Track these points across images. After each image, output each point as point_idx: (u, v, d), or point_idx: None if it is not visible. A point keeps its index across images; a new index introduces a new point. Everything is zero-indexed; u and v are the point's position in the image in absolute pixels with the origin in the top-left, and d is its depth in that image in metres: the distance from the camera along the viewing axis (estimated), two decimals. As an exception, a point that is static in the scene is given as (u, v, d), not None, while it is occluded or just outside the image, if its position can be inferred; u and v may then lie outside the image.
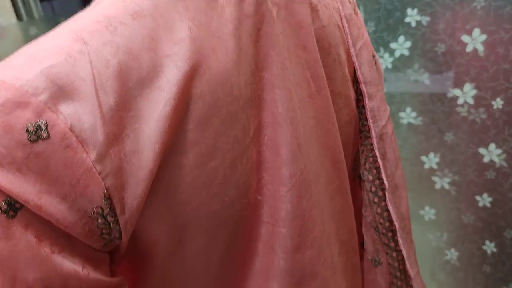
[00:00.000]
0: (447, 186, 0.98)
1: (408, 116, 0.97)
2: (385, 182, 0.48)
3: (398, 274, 0.53)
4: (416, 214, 1.04)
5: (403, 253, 0.50)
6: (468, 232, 0.98)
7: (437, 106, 0.94)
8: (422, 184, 1.00)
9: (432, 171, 0.98)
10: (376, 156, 0.48)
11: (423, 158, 0.99)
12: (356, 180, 0.58)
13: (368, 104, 0.46)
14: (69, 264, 0.29)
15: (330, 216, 0.43)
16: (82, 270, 0.30)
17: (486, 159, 0.92)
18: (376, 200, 0.50)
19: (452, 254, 1.02)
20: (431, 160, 0.98)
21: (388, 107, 0.48)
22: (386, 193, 0.48)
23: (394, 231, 0.51)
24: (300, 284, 0.39)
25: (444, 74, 0.91)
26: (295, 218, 0.38)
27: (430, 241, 1.03)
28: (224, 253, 0.37)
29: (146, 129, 0.29)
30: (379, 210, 0.51)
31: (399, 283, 0.53)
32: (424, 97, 0.94)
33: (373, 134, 0.47)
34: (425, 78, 0.93)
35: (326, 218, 0.42)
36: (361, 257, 0.56)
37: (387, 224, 0.51)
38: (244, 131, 0.34)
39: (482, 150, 0.92)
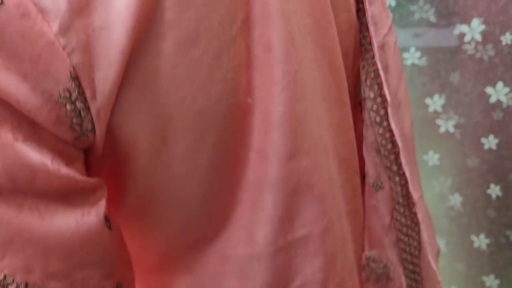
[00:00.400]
0: (452, 129, 0.95)
1: (412, 56, 0.93)
2: (388, 97, 0.45)
3: (400, 200, 0.50)
4: (419, 160, 1.01)
5: (406, 174, 0.47)
6: (473, 176, 0.96)
7: (443, 45, 0.89)
8: (426, 128, 0.97)
9: (436, 114, 0.95)
10: (377, 70, 0.45)
11: (427, 100, 0.95)
12: (357, 107, 0.54)
13: (369, 9, 0.42)
14: (36, 155, 0.26)
15: (328, 128, 0.40)
16: (52, 163, 0.27)
17: (493, 99, 0.88)
18: (377, 119, 0.47)
19: (456, 200, 1.00)
20: (436, 103, 0.94)
21: (391, 14, 0.45)
22: (389, 109, 0.45)
23: (396, 154, 0.48)
24: (295, 194, 0.37)
25: (450, 9, 0.87)
26: (288, 121, 0.35)
27: (433, 187, 1.01)
28: (212, 160, 0.34)
29: (116, 1, 0.26)
30: (381, 131, 0.48)
31: (401, 209, 0.50)
32: (429, 36, 0.90)
33: (374, 43, 0.43)
34: (431, 15, 0.88)
35: (323, 128, 0.39)
36: (362, 191, 0.53)
37: (390, 146, 0.48)
38: (230, 18, 0.31)
39: (489, 90, 0.88)
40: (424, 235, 0.50)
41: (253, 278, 0.38)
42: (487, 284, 1.03)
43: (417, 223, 0.52)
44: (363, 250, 0.53)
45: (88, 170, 0.31)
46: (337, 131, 0.42)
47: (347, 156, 0.44)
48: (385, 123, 0.47)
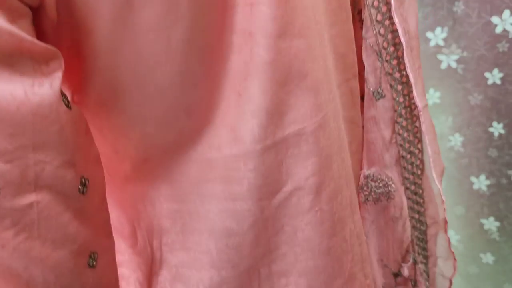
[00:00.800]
0: (454, 65, 0.90)
1: (414, -14, 0.87)
2: (391, -14, 0.40)
3: (403, 112, 0.46)
4: (419, 99, 0.97)
5: (410, 79, 0.43)
6: (475, 114, 0.92)
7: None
8: (426, 64, 0.92)
9: (438, 48, 0.90)
10: (379, -43, 0.40)
11: (429, 34, 0.90)
12: (356, 17, 0.49)
13: None
14: None
15: (323, 13, 0.36)
16: (-13, 13, 0.22)
17: (498, 29, 0.83)
18: (379, 17, 0.42)
19: (456, 140, 0.96)
20: (437, 36, 0.89)
21: None
22: (392, 2, 0.40)
23: (399, 59, 0.44)
24: (286, 83, 0.32)
25: None
26: (277, -10, 0.30)
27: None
28: (188, 37, 0.29)
29: None
30: (382, 31, 0.43)
31: (403, 122, 0.46)
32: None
33: None
34: None
35: (318, 11, 0.34)
36: (361, 110, 0.49)
37: (392, 49, 0.43)
38: None
39: (495, 19, 0.83)
40: (429, 150, 0.46)
41: (239, 182, 0.34)
42: (486, 227, 1.00)
43: (420, 140, 0.48)
44: (361, 168, 0.49)
45: (44, 39, 0.27)
46: (333, 21, 0.37)
47: (344, 51, 0.40)
48: (386, 22, 0.42)
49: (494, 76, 0.87)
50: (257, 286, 0.38)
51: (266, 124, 0.33)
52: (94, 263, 0.31)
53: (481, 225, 1.00)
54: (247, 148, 0.33)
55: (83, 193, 0.29)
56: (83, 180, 0.29)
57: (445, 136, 0.96)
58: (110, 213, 0.39)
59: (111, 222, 0.39)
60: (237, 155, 0.34)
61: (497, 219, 0.98)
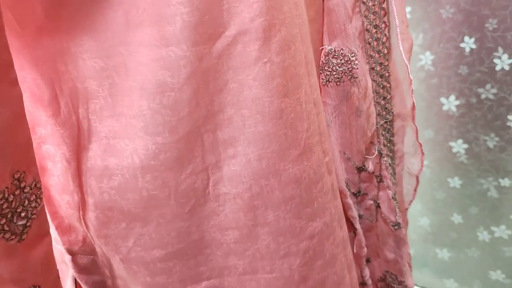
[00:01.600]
0: (426, -25, 0.85)
1: None
2: None
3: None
4: (389, 15, 0.92)
5: None
6: (446, 29, 0.88)
7: None
8: (397, -24, 0.86)
9: (410, -44, 0.84)
10: None
11: None
12: None
13: None
14: None
15: None
16: None
17: None
18: None
19: (427, 59, 0.92)
20: None
21: None
22: None
23: None
24: None
25: None
26: None
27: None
28: None
29: None
30: None
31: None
32: None
33: None
34: None
35: None
36: None
37: None
38: None
39: None
40: (396, 19, 0.41)
41: (171, 20, 0.29)
42: (454, 149, 0.99)
43: (386, 12, 0.43)
44: (322, 44, 0.44)
45: None
46: None
47: None
48: None
49: (467, -14, 0.82)
50: (200, 157, 0.33)
51: None
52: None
53: (450, 148, 0.98)
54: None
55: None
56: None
57: (415, 55, 0.92)
58: (24, 75, 0.33)
59: (26, 85, 0.33)
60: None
61: (465, 141, 0.96)
